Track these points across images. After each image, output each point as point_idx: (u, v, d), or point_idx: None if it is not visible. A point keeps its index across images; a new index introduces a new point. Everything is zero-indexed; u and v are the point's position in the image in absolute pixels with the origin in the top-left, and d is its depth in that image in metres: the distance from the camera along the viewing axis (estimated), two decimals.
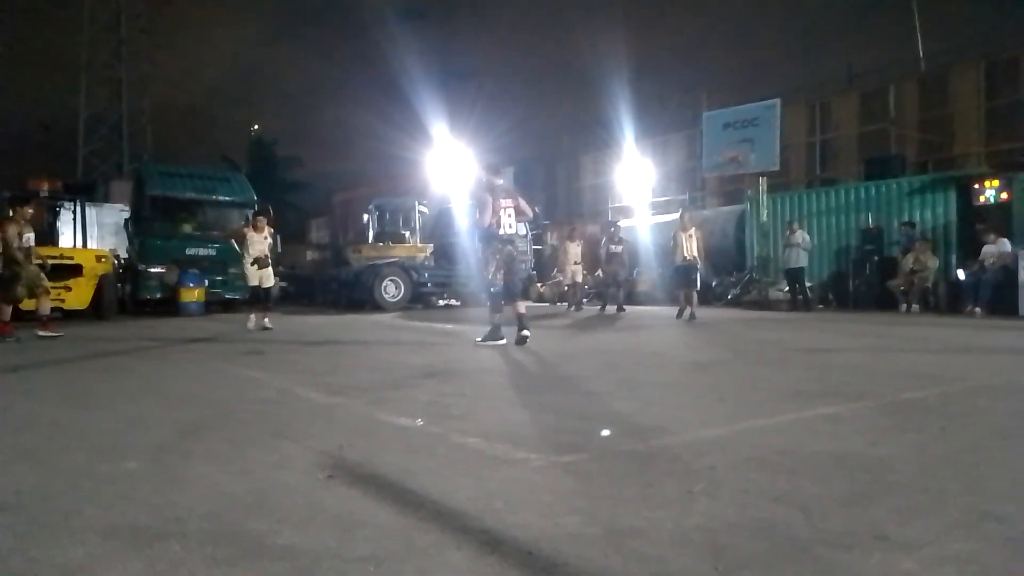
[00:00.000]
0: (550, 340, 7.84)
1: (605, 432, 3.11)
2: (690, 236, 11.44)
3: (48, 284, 9.15)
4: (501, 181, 7.53)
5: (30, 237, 8.76)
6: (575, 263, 14.61)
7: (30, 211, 9.14)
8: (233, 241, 11.02)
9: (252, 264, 10.15)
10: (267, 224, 10.48)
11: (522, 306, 7.39)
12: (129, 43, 45.18)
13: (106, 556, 1.81)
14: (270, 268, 10.29)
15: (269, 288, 10.42)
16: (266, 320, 9.96)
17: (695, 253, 11.39)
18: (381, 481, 2.45)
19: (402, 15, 62.12)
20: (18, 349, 7.48)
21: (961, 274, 12.51)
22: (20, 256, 8.55)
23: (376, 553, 1.80)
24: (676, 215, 13.14)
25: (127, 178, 20.31)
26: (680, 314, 11.15)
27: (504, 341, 6.85)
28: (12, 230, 8.60)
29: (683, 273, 11.56)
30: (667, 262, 13.23)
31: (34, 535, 1.96)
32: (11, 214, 9.02)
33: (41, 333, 8.53)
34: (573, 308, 14.42)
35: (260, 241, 10.18)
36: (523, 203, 7.50)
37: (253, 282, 10.25)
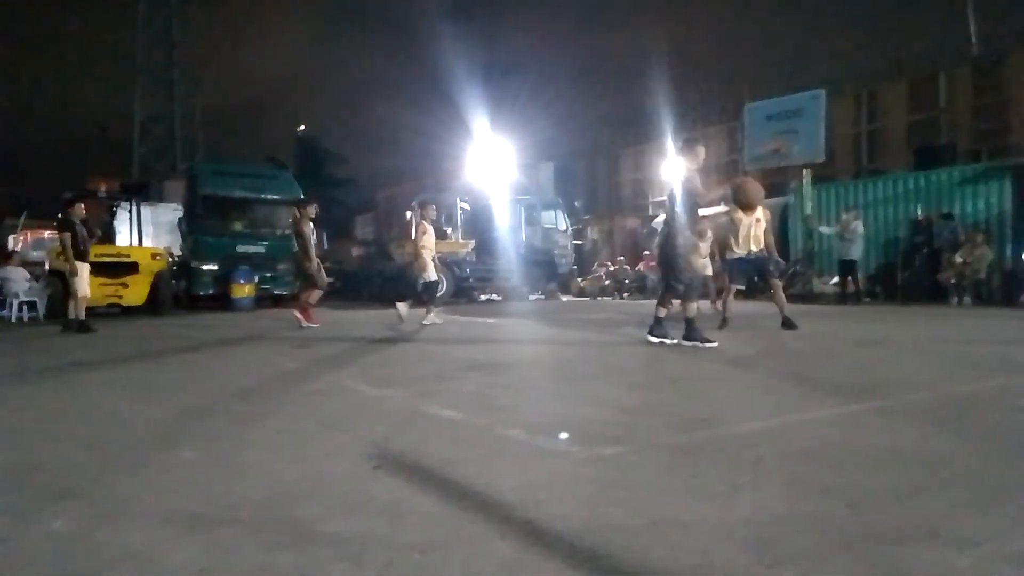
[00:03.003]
0: (591, 332, 7.83)
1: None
2: (757, 220, 8.09)
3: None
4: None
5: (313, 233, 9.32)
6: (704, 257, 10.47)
7: (316, 209, 9.61)
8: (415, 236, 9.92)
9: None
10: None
11: (692, 307, 6.34)
12: (181, 47, 46.56)
13: (165, 541, 1.88)
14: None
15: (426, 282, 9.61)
16: (432, 315, 9.29)
17: (762, 244, 8.12)
18: (427, 471, 2.49)
19: (447, 14, 62.89)
20: (83, 344, 7.76)
21: None
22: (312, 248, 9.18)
23: (422, 541, 1.83)
24: (719, 205, 10.97)
25: (180, 178, 20.86)
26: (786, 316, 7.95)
27: (675, 341, 6.25)
28: (307, 228, 9.11)
29: (749, 267, 8.37)
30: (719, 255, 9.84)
31: (97, 521, 2.05)
32: (298, 214, 9.43)
33: (305, 324, 8.95)
34: (715, 306, 10.02)
35: (432, 232, 9.51)
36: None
37: (431, 277, 9.58)
